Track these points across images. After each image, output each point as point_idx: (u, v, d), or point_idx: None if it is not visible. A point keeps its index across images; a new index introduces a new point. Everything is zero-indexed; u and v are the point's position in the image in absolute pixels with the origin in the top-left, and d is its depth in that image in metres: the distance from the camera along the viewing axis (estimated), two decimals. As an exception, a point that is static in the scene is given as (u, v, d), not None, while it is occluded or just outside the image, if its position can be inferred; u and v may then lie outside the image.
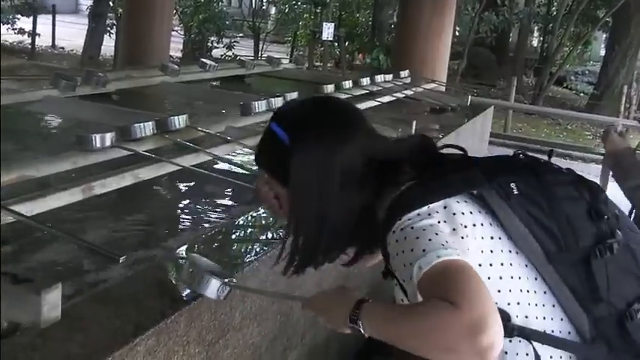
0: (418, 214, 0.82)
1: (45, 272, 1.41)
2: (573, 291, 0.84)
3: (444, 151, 0.97)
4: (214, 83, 3.52)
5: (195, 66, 3.50)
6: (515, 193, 0.85)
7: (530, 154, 0.93)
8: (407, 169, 0.88)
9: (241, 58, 4.10)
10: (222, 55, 9.70)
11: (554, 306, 0.85)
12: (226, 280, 1.00)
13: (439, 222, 0.82)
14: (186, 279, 1.00)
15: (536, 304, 0.85)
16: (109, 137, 1.75)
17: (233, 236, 1.52)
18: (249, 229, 1.62)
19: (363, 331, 0.81)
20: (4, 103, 2.27)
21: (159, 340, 0.99)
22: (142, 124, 1.88)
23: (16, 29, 9.84)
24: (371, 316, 0.81)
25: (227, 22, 10.71)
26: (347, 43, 10.85)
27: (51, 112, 2.63)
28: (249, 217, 1.65)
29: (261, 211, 1.68)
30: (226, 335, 1.19)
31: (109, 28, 9.62)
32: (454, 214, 0.83)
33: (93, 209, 1.72)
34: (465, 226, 0.83)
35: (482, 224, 0.84)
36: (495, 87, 10.92)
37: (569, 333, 0.85)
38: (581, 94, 12.16)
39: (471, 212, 0.84)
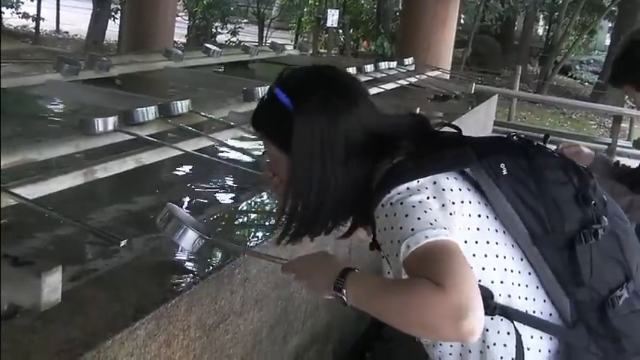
0: (408, 189, 0.81)
1: (46, 255, 1.40)
2: (556, 274, 0.84)
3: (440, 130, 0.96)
4: (218, 69, 3.49)
5: (199, 51, 3.47)
6: (505, 173, 0.85)
7: (523, 136, 0.92)
8: (405, 143, 0.88)
9: (245, 44, 4.05)
10: (226, 41, 9.63)
11: (537, 287, 0.85)
12: (204, 234, 0.98)
13: (428, 198, 0.81)
14: (163, 227, 0.97)
15: (519, 284, 0.85)
16: (111, 121, 1.73)
17: (235, 222, 1.50)
18: (252, 215, 1.60)
19: (345, 299, 0.80)
20: (8, 86, 2.26)
21: (159, 324, 0.98)
22: (144, 108, 1.86)
23: (20, 13, 9.78)
24: (356, 286, 0.80)
25: (231, 8, 10.61)
26: (351, 30, 10.76)
27: (54, 96, 2.61)
28: (252, 203, 1.64)
29: (264, 197, 1.67)
30: (227, 320, 1.18)
31: (113, 13, 9.55)
32: (443, 189, 0.83)
33: (95, 193, 1.70)
34: (454, 203, 0.82)
35: (470, 202, 0.84)
36: (500, 75, 10.85)
37: (551, 315, 0.85)
38: (586, 84, 12.08)
39: (460, 189, 0.84)
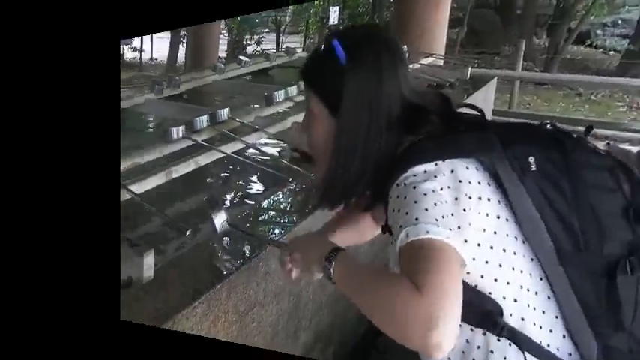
0: (425, 172, 0.66)
1: (139, 239, 1.56)
2: (584, 305, 0.63)
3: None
4: (248, 77, 3.58)
5: (234, 63, 3.57)
6: (533, 169, 0.65)
7: (559, 126, 0.69)
8: (434, 118, 0.72)
9: (266, 51, 4.08)
10: (253, 51, 9.49)
11: (556, 317, 0.64)
12: (231, 224, 1.01)
13: (442, 189, 0.64)
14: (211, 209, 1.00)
15: (534, 308, 0.65)
16: (181, 130, 1.79)
17: (259, 218, 1.40)
18: (272, 212, 1.45)
19: (332, 274, 0.68)
20: (124, 107, 2.41)
21: (209, 305, 0.99)
22: (200, 117, 1.94)
23: (132, 48, 10.33)
24: (343, 264, 0.68)
25: (256, 20, 10.35)
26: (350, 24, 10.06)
27: (148, 113, 2.77)
28: (272, 201, 1.50)
29: (283, 195, 1.54)
30: (253, 309, 1.14)
31: (182, 39, 9.76)
32: (460, 181, 0.65)
33: (165, 191, 1.74)
34: (470, 198, 0.65)
35: (489, 199, 0.65)
36: (499, 54, 8.28)
37: (570, 355, 0.64)
38: (611, 53, 8.23)
39: (479, 183, 0.66)
